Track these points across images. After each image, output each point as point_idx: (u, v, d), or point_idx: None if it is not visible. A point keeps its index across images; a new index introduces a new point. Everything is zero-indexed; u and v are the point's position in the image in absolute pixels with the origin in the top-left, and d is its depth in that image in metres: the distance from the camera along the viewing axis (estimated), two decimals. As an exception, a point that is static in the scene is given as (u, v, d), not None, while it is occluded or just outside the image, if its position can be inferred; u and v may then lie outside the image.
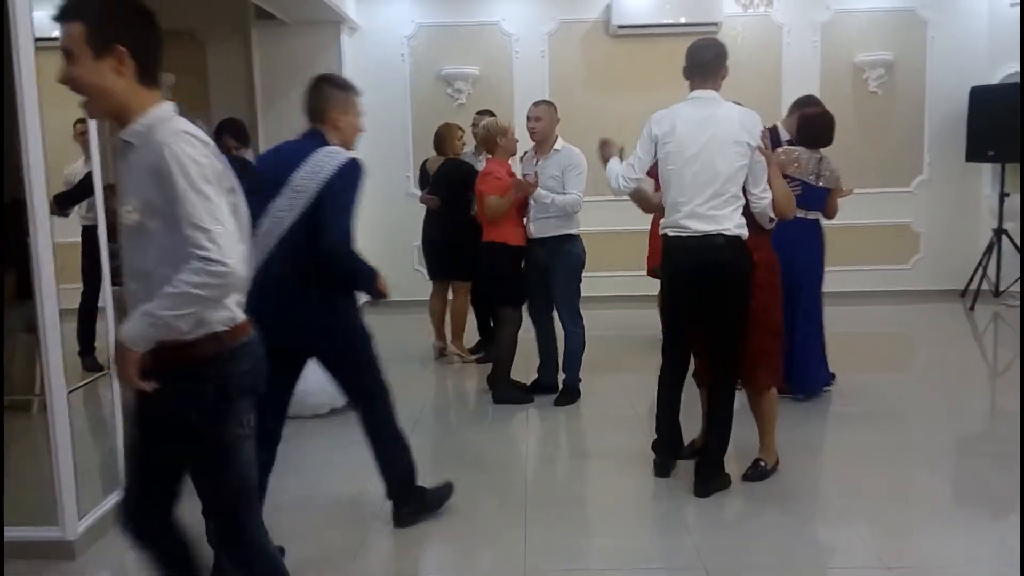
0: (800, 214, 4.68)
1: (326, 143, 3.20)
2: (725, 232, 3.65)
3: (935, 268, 8.69)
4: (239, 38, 8.23)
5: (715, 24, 8.27)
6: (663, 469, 4.07)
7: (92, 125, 3.45)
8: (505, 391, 5.39)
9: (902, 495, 3.92)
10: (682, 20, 8.20)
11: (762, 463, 4.02)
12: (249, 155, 5.85)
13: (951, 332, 7.43)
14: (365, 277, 3.26)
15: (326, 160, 3.12)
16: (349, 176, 3.11)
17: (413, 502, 3.62)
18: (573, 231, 5.18)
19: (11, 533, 3.24)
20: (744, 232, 3.70)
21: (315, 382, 4.97)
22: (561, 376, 5.43)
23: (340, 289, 3.26)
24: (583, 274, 5.29)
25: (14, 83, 2.99)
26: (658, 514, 3.79)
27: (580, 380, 5.38)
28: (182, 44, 8.28)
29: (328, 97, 3.27)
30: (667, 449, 4.09)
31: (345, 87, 3.33)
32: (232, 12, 7.98)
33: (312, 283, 3.14)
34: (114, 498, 3.61)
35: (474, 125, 6.34)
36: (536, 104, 5.35)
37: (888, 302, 8.37)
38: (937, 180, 8.66)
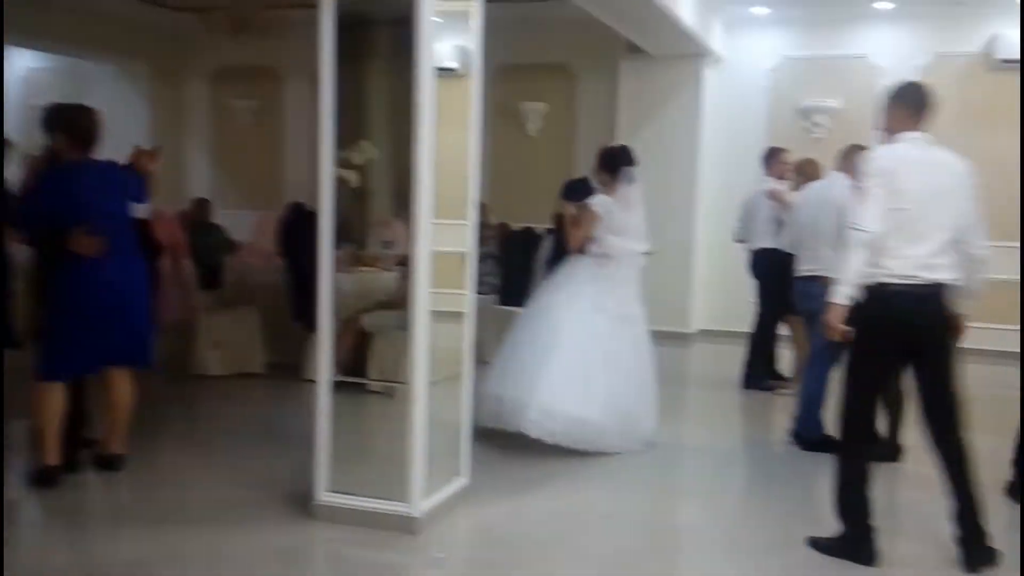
0: None
1: None
2: None
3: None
4: (607, 71, 8.63)
5: None
6: None
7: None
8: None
9: None
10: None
11: None
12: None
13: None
14: None
15: None
16: None
17: None
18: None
19: (365, 503, 3.67)
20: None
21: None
22: None
23: None
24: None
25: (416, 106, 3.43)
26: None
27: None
28: (555, 76, 8.89)
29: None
30: None
31: None
32: (604, 47, 8.38)
33: None
34: (456, 484, 3.96)
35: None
36: None
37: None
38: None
